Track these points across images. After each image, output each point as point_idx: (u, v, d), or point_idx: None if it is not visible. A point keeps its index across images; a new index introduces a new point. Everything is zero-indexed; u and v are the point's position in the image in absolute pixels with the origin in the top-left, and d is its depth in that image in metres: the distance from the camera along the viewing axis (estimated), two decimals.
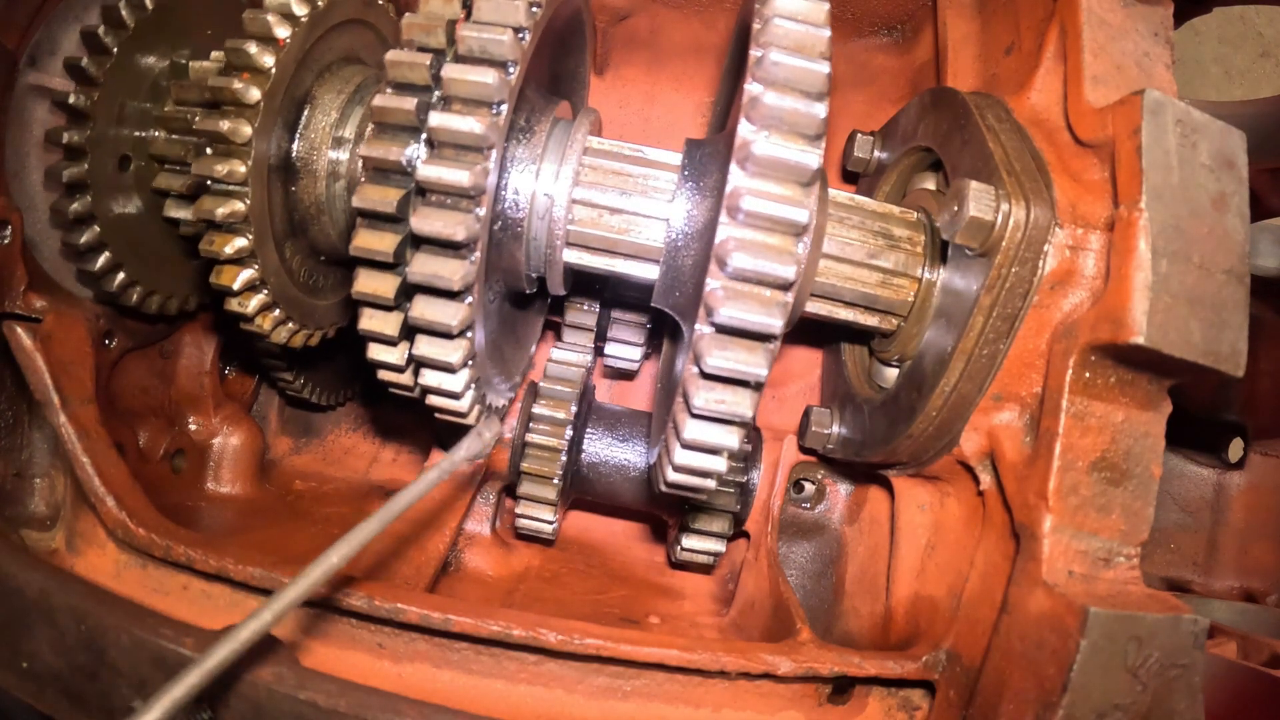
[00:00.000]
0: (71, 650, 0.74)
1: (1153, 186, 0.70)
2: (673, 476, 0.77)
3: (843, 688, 0.88)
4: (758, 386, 0.69)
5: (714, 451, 0.74)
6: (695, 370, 0.69)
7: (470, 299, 0.74)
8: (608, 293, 1.23)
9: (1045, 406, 0.78)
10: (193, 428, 1.20)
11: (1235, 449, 1.67)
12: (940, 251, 0.90)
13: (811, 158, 0.66)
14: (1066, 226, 0.78)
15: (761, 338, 0.68)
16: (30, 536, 0.90)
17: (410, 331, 0.78)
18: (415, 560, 1.02)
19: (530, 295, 1.00)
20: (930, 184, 1.02)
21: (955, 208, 0.79)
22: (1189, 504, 1.63)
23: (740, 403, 0.69)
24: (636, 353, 1.28)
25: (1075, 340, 0.75)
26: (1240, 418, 1.65)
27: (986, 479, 0.87)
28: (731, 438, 0.72)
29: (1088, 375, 0.75)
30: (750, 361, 0.67)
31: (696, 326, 0.69)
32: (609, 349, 1.27)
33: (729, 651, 0.83)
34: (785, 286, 0.67)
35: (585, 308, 1.25)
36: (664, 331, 1.19)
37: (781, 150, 0.66)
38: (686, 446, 0.73)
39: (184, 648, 0.70)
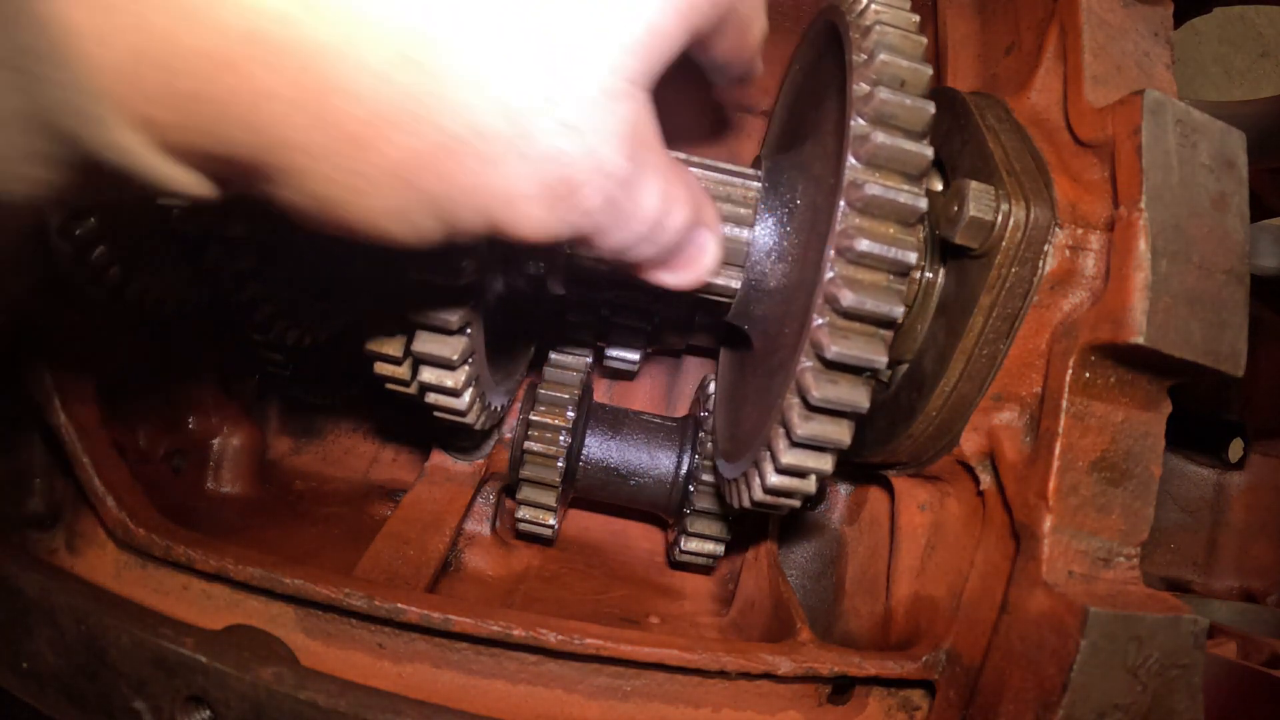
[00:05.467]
0: (71, 650, 0.74)
1: (1153, 186, 0.70)
2: (760, 496, 0.80)
3: (843, 688, 0.88)
4: (857, 417, 0.72)
5: (805, 475, 0.77)
6: (799, 401, 0.72)
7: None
8: (609, 293, 1.23)
9: (1045, 406, 0.78)
10: (193, 428, 1.20)
11: (1235, 449, 1.66)
12: (940, 251, 0.90)
13: (920, 200, 0.67)
14: (1066, 226, 0.78)
15: (866, 372, 0.70)
16: (30, 536, 0.90)
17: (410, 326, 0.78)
18: (415, 560, 1.02)
19: (530, 295, 1.00)
20: (930, 184, 1.02)
21: (955, 208, 0.79)
22: (1189, 504, 1.62)
23: (840, 432, 0.72)
24: (636, 354, 1.28)
25: (1075, 340, 0.75)
26: (1240, 418, 1.65)
27: (986, 479, 0.87)
28: (826, 462, 0.75)
29: (1088, 375, 0.75)
30: (854, 394, 0.70)
31: (801, 359, 0.71)
32: (609, 350, 1.27)
33: (729, 651, 0.83)
34: (891, 324, 0.69)
35: (585, 308, 1.25)
36: (723, 337, 1.20)
37: (892, 193, 0.67)
38: (782, 471, 0.76)
39: (184, 648, 0.70)
